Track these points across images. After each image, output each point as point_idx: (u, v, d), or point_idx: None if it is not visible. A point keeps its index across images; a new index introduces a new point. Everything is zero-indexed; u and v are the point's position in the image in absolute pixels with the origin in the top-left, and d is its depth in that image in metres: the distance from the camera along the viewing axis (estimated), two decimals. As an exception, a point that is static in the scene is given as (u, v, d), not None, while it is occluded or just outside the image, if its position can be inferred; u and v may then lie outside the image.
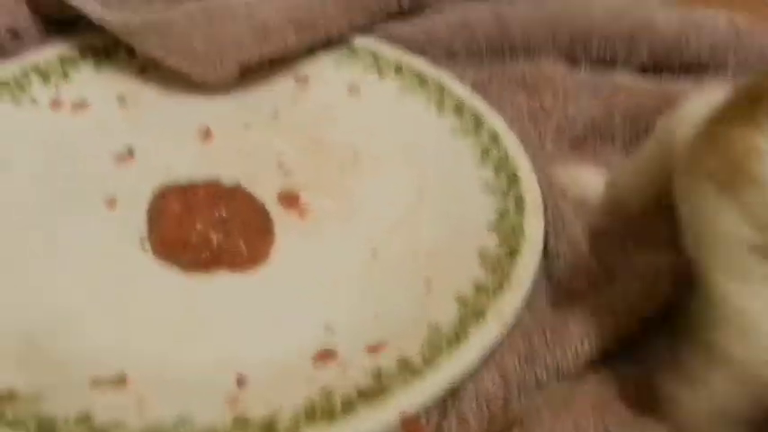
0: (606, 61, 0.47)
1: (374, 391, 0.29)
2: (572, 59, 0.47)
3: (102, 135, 0.44)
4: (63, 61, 0.47)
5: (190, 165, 0.43)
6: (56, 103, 0.46)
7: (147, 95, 0.47)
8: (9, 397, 0.28)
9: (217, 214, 0.37)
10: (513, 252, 0.34)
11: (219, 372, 0.31)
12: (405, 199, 0.41)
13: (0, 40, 0.47)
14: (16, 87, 0.45)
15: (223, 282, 0.36)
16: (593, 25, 0.45)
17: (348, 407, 0.28)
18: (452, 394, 0.29)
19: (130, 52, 0.47)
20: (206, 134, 0.45)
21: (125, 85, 0.47)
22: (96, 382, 0.30)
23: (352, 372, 0.30)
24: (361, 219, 0.40)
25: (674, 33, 0.44)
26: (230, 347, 0.32)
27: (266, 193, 0.40)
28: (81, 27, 0.48)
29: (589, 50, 0.46)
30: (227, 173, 0.41)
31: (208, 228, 0.36)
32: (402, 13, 0.50)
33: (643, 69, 0.46)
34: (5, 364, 0.30)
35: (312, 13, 0.46)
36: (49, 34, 0.48)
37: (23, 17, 0.47)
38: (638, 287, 0.32)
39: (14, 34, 0.47)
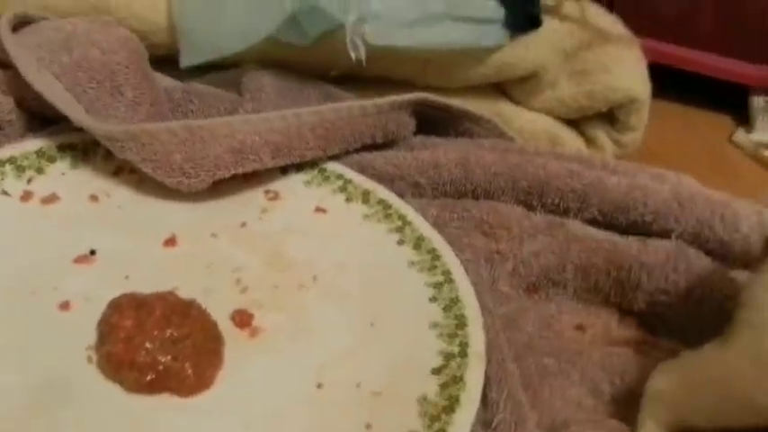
0: (560, 211, 0.50)
1: None
2: (528, 206, 0.50)
3: (67, 232, 0.45)
4: (40, 156, 0.48)
5: (150, 272, 0.43)
6: (26, 195, 0.47)
7: (119, 196, 0.48)
8: None
9: (168, 334, 0.37)
10: (452, 404, 0.35)
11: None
12: (357, 328, 0.42)
13: (-18, 131, 0.48)
14: (-10, 178, 0.46)
15: (164, 406, 0.36)
16: (550, 178, 0.49)
17: None
18: None
19: (106, 154, 0.49)
20: (171, 241, 0.46)
21: (98, 185, 0.48)
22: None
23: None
24: (312, 343, 0.41)
25: (622, 195, 0.48)
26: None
27: (221, 310, 0.41)
28: (61, 125, 0.50)
29: (545, 200, 0.49)
30: (186, 284, 0.42)
31: (157, 349, 0.36)
32: (375, 146, 0.53)
33: (593, 222, 0.49)
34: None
35: (290, 138, 0.48)
36: (32, 128, 0.50)
37: (8, 110, 0.49)
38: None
39: (-3, 125, 0.49)
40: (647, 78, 0.61)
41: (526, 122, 0.61)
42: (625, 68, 0.59)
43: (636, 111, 0.60)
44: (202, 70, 0.56)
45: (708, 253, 0.45)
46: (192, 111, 0.53)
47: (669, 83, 0.65)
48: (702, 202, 0.48)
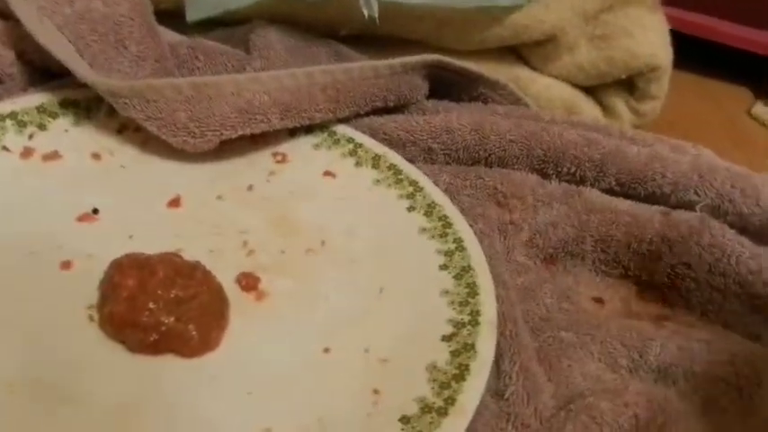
0: (576, 180, 0.48)
1: None
2: (544, 175, 0.48)
3: (69, 190, 0.44)
4: (41, 111, 0.47)
5: (153, 232, 0.42)
6: (27, 152, 0.45)
7: (122, 155, 0.47)
8: None
9: (172, 295, 0.36)
10: (462, 372, 0.34)
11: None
12: (365, 294, 0.41)
13: (-19, 84, 0.46)
14: (-10, 132, 0.45)
15: (168, 366, 0.35)
16: (567, 146, 0.47)
17: None
18: None
19: (110, 112, 0.47)
20: (175, 202, 0.45)
21: (101, 143, 0.47)
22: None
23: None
24: (319, 308, 0.40)
25: (642, 166, 0.46)
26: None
27: (227, 273, 0.40)
28: (65, 80, 0.48)
29: (560, 168, 0.48)
30: (190, 246, 0.41)
31: (160, 310, 0.35)
32: (386, 110, 0.51)
33: (610, 192, 0.48)
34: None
35: (299, 99, 0.47)
36: (33, 83, 0.48)
37: (8, 63, 0.47)
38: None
39: (-3, 78, 0.47)
40: (669, 45, 0.58)
41: (542, 89, 0.60)
42: (648, 34, 0.57)
43: (657, 79, 0.58)
44: (209, 27, 0.55)
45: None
46: (197, 68, 0.51)
47: (688, 52, 0.63)
48: (723, 174, 0.46)
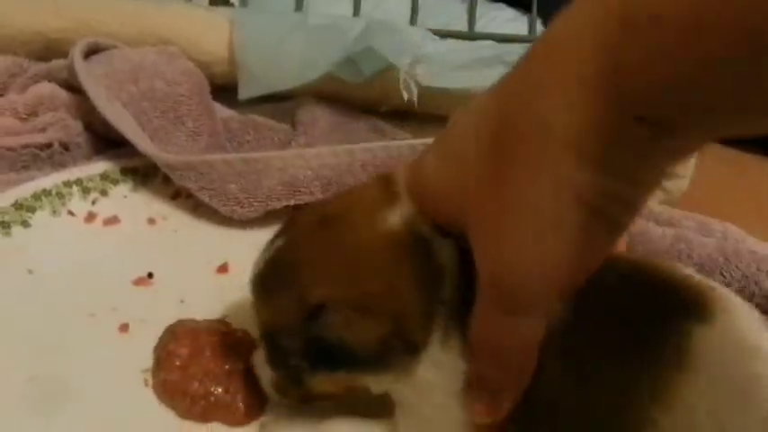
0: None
1: None
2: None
3: (126, 254, 0.47)
4: (104, 178, 0.50)
5: (203, 298, 0.45)
6: (90, 217, 0.49)
7: (175, 220, 0.51)
8: None
9: (221, 366, 0.38)
10: None
11: None
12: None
13: (51, 152, 0.50)
14: (57, 198, 0.48)
15: (215, 433, 0.37)
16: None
17: None
18: None
19: (165, 179, 0.51)
20: (223, 268, 0.48)
21: (156, 208, 0.51)
22: None
23: None
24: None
25: (667, 247, 0.48)
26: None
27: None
28: (125, 149, 0.52)
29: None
30: (237, 313, 0.44)
31: (210, 381, 0.38)
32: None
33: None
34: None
35: (340, 173, 0.50)
36: (97, 150, 0.53)
37: (76, 133, 0.51)
38: None
39: (65, 147, 0.51)
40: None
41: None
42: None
43: (683, 158, 0.60)
44: (258, 100, 0.58)
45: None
46: (247, 141, 0.55)
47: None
48: (748, 256, 0.47)
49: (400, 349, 0.32)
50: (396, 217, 0.34)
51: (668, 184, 0.60)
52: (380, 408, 0.36)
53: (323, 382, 0.35)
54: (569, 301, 0.31)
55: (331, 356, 0.33)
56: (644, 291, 0.33)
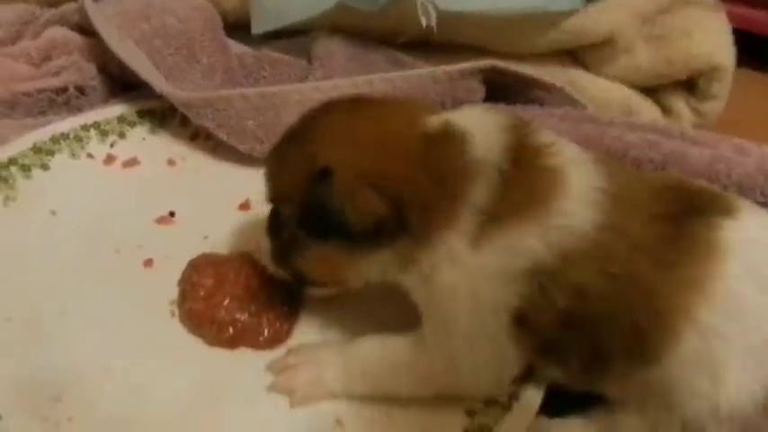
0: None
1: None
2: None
3: (148, 195, 0.47)
4: (121, 121, 0.50)
5: (226, 234, 0.44)
6: (109, 159, 0.49)
7: (195, 160, 0.50)
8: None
9: (245, 293, 0.38)
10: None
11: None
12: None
13: (67, 97, 0.50)
14: (75, 141, 0.48)
15: (243, 360, 0.37)
16: (627, 148, 0.47)
17: None
18: None
19: (183, 120, 0.50)
20: (245, 205, 0.47)
21: (175, 149, 0.50)
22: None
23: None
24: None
25: (705, 167, 0.46)
26: (245, 430, 0.33)
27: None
28: (141, 91, 0.52)
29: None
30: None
31: (235, 307, 0.38)
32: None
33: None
34: (34, 422, 0.31)
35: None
36: (113, 94, 0.52)
37: (91, 76, 0.51)
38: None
39: (81, 91, 0.51)
40: (731, 44, 0.58)
41: (599, 91, 0.59)
42: (708, 34, 0.56)
43: (718, 79, 0.57)
44: (272, 36, 0.57)
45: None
46: (263, 77, 0.54)
47: (752, 50, 0.61)
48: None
49: (395, 232, 0.32)
50: (433, 119, 0.33)
51: (703, 105, 0.58)
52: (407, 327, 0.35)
53: (316, 262, 0.34)
54: (602, 203, 0.31)
55: (326, 225, 0.32)
56: (677, 195, 0.33)
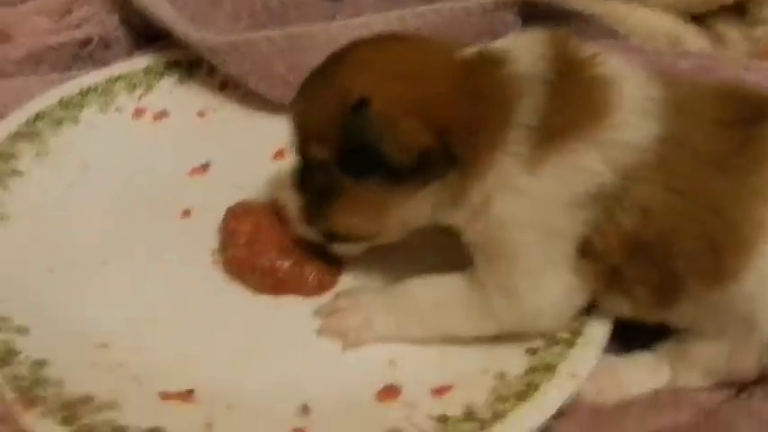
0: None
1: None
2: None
3: (180, 147, 0.45)
4: (148, 73, 0.48)
5: (262, 183, 0.43)
6: (138, 112, 0.47)
7: (225, 112, 0.48)
8: (84, 401, 0.29)
9: (286, 239, 0.37)
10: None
11: (284, 400, 0.31)
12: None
13: (91, 49, 0.48)
14: (103, 95, 0.47)
15: (290, 306, 0.36)
16: (680, 76, 0.45)
17: (414, 453, 0.28)
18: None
19: (211, 70, 0.48)
20: (280, 154, 0.46)
21: (204, 100, 0.48)
22: (166, 396, 0.30)
23: (418, 415, 0.30)
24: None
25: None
26: (294, 375, 0.33)
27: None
28: (167, 41, 0.50)
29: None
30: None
31: (277, 254, 0.36)
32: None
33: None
34: (82, 368, 0.31)
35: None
36: (138, 46, 0.50)
37: (113, 27, 0.49)
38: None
39: (105, 44, 0.49)
40: (783, -37, 0.54)
41: (640, 21, 0.56)
42: (758, -49, 0.53)
43: (770, 0, 0.54)
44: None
45: None
46: (290, 20, 0.51)
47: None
48: None
49: (441, 164, 0.29)
50: (469, 49, 0.31)
51: (755, 31, 0.55)
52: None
53: (353, 209, 0.32)
54: (660, 113, 0.29)
55: (366, 162, 0.30)
56: (740, 101, 0.31)
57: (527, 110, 0.29)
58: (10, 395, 0.28)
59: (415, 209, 0.32)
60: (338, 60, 0.33)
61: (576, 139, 0.29)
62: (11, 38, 0.48)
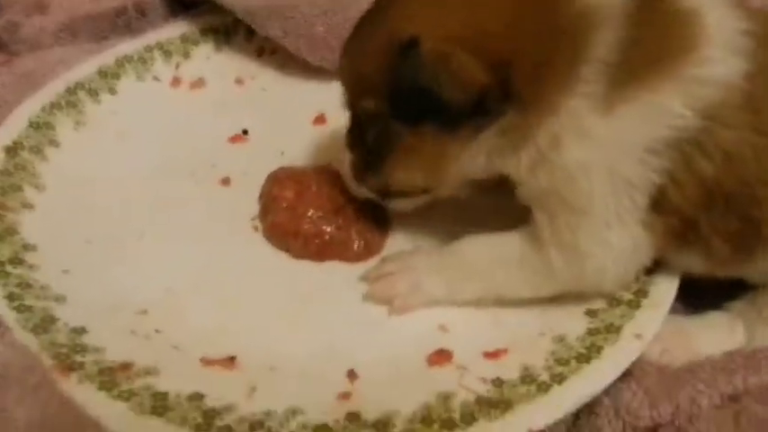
0: None
1: (495, 402, 0.26)
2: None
3: (218, 114, 0.44)
4: (185, 40, 0.47)
5: (302, 149, 0.42)
6: (176, 81, 0.46)
7: (263, 78, 0.47)
8: (124, 367, 0.28)
9: (330, 204, 0.35)
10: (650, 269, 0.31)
11: (330, 365, 0.29)
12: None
13: (127, 17, 0.48)
14: (140, 63, 0.46)
15: (334, 271, 0.35)
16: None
17: (468, 417, 0.26)
18: (586, 407, 0.27)
19: (248, 35, 0.47)
20: (320, 119, 0.44)
21: (242, 67, 0.47)
22: (207, 362, 0.29)
23: (471, 378, 0.28)
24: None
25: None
26: (341, 340, 0.31)
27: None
28: (202, 8, 0.49)
29: None
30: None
31: (320, 219, 0.35)
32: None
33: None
34: (121, 335, 0.30)
35: None
36: (174, 14, 0.49)
37: (149, -6, 0.48)
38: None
39: (141, 12, 0.48)
40: None
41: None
42: None
43: None
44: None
45: None
46: (329, -19, 0.49)
47: None
48: None
49: (504, 107, 0.27)
50: None
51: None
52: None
53: (409, 160, 0.30)
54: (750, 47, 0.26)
55: (419, 106, 0.27)
56: None
57: (603, 44, 0.26)
58: (48, 361, 0.27)
59: (475, 156, 0.29)
60: (380, 4, 0.31)
61: (657, 75, 0.26)
62: (47, 8, 0.47)
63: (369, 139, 0.31)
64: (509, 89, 0.27)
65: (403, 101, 0.28)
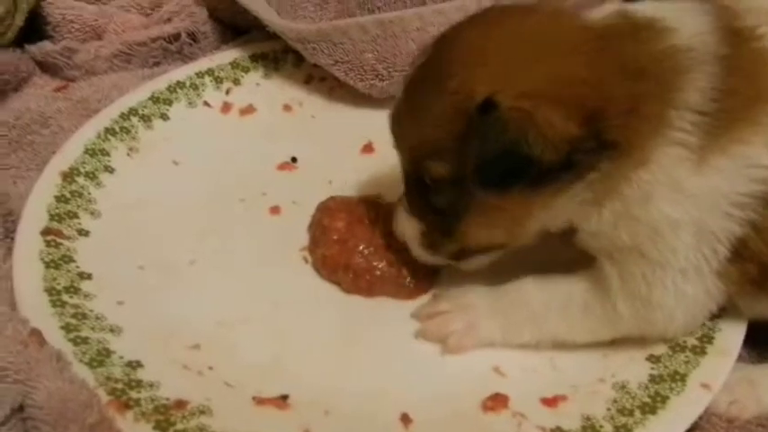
0: None
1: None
2: None
3: (267, 141, 0.44)
4: (235, 67, 0.48)
5: (350, 178, 0.42)
6: (226, 107, 0.47)
7: (312, 105, 0.47)
8: (179, 405, 0.28)
9: (381, 238, 0.35)
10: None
11: (383, 406, 0.29)
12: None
13: (180, 44, 0.48)
14: (191, 89, 0.46)
15: (385, 308, 0.34)
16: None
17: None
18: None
19: (297, 62, 0.48)
20: (368, 148, 0.44)
21: (290, 94, 0.48)
22: (260, 401, 0.29)
23: (529, 426, 0.27)
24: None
25: None
26: (393, 380, 0.31)
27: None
28: (252, 34, 0.49)
29: None
30: (389, 190, 0.40)
31: (372, 254, 0.34)
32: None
33: None
34: (174, 370, 0.30)
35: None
36: (224, 40, 0.50)
37: (202, 21, 0.49)
38: None
39: (193, 38, 0.49)
40: None
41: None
42: None
43: None
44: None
45: None
46: (378, 7, 0.49)
47: None
48: None
49: (594, 152, 0.25)
50: (592, 14, 0.27)
51: None
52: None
53: (489, 222, 0.28)
54: None
55: (505, 169, 0.26)
56: None
57: (694, 89, 0.25)
58: (105, 397, 0.27)
59: (560, 210, 0.28)
60: (443, 56, 0.29)
61: (748, 125, 0.25)
62: (103, 35, 0.48)
63: (439, 203, 0.30)
64: (603, 139, 0.25)
65: (488, 165, 0.27)
